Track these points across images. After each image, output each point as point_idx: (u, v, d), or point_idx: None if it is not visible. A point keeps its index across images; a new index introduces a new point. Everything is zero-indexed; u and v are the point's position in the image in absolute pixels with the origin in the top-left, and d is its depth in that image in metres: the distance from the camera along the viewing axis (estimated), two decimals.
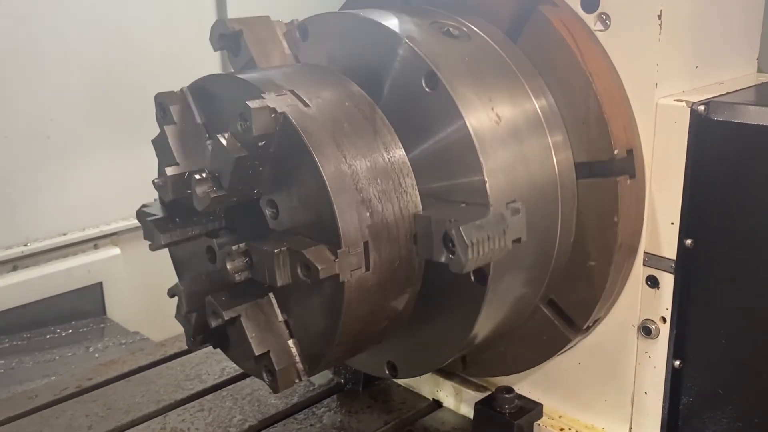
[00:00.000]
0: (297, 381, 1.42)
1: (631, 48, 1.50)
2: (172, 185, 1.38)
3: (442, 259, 1.26)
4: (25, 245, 3.35)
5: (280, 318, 1.42)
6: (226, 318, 1.37)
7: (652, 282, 1.58)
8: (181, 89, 1.46)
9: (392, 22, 1.48)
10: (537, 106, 1.52)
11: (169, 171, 1.39)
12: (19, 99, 3.23)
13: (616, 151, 1.48)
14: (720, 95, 1.52)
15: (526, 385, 1.81)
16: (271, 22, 1.61)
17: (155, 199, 1.49)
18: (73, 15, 3.30)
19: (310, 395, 2.00)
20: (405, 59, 1.41)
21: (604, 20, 1.52)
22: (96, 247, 3.55)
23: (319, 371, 1.48)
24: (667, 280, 1.56)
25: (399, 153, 1.41)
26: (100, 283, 3.54)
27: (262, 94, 1.29)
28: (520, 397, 1.74)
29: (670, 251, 1.54)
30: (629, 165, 1.51)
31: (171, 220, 1.44)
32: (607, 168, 1.50)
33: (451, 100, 1.36)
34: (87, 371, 2.18)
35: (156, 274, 3.29)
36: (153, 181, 1.41)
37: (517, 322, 1.63)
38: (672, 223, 1.53)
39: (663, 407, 1.62)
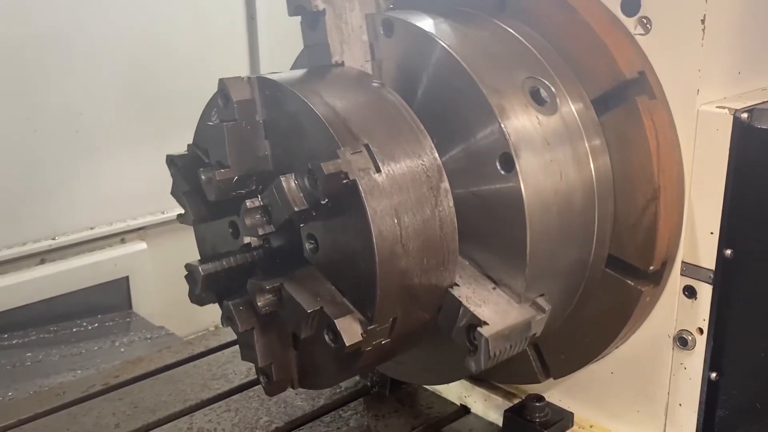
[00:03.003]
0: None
1: (673, 53, 1.46)
2: (218, 187, 1.35)
3: (460, 343, 1.33)
4: (53, 238, 3.38)
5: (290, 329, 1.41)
6: (241, 330, 1.36)
7: (690, 292, 1.54)
8: (248, 78, 1.38)
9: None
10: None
11: (219, 175, 1.35)
12: (49, 93, 3.25)
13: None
14: (763, 102, 1.48)
15: (557, 393, 1.78)
16: (356, 6, 1.49)
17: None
18: (103, 11, 3.31)
19: (337, 398, 1.98)
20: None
21: (645, 24, 1.49)
22: (123, 241, 3.57)
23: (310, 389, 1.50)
24: (705, 291, 1.52)
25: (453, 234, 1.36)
26: (127, 278, 3.58)
27: (338, 151, 1.24)
28: (551, 405, 1.72)
29: (709, 261, 1.51)
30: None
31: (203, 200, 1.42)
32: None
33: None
34: (114, 369, 2.18)
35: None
36: (199, 172, 1.36)
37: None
38: (711, 233, 1.49)
39: (698, 420, 1.59)
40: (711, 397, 1.57)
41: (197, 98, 1.51)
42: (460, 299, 1.34)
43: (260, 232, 1.31)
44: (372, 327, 1.28)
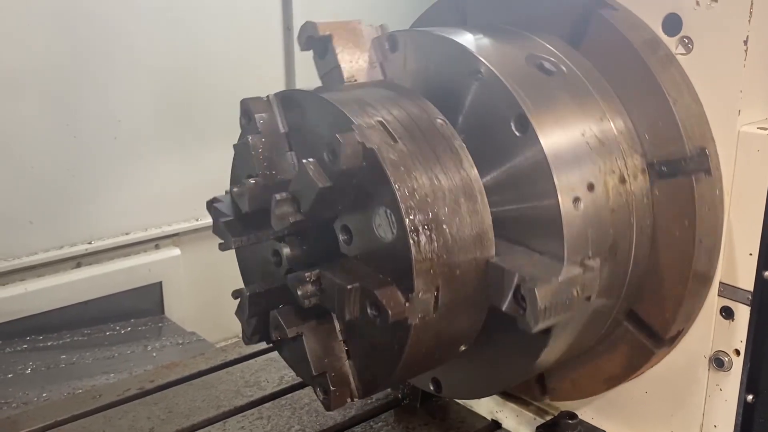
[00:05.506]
0: (349, 401, 1.42)
1: (714, 73, 1.46)
2: (250, 196, 1.38)
3: (511, 311, 1.29)
4: (89, 243, 3.44)
5: (340, 338, 1.42)
6: (290, 335, 1.38)
7: (727, 313, 1.53)
8: (267, 96, 1.47)
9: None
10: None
11: (250, 185, 1.39)
12: (89, 100, 3.32)
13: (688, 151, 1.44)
14: None
15: (590, 411, 1.78)
16: (360, 27, 1.56)
17: (226, 192, 1.50)
18: (142, 20, 3.37)
19: (368, 408, 1.99)
20: (496, 97, 1.40)
21: (686, 44, 1.49)
22: (157, 247, 3.62)
23: (372, 394, 1.48)
24: (743, 312, 1.51)
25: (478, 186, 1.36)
26: (160, 283, 3.63)
27: (352, 125, 1.27)
28: (583, 423, 1.71)
29: (747, 282, 1.50)
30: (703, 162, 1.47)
31: (242, 223, 1.44)
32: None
33: (541, 151, 1.34)
34: (149, 373, 2.22)
35: (214, 275, 3.36)
36: (231, 190, 1.42)
37: (594, 338, 1.58)
38: (750, 254, 1.48)
39: None
40: (747, 419, 1.56)
41: (233, 108, 1.53)
42: (502, 265, 1.31)
43: (291, 219, 1.32)
44: (414, 294, 1.24)
